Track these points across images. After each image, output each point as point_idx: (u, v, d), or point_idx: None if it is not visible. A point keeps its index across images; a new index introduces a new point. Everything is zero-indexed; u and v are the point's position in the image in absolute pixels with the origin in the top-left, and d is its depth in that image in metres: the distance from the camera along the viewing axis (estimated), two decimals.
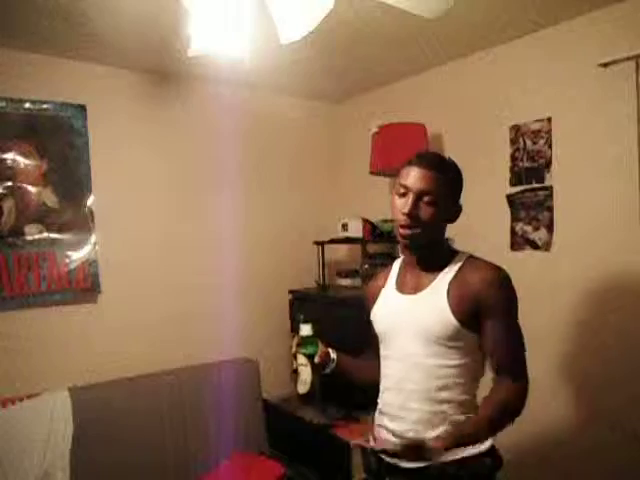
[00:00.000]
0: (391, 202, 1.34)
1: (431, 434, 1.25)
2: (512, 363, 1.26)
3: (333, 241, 2.85)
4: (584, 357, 2.09)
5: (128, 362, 2.44)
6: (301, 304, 2.87)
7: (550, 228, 2.18)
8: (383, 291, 1.45)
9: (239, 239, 2.86)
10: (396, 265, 1.49)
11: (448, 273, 1.31)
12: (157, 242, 2.61)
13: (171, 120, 2.67)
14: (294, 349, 1.43)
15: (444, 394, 1.27)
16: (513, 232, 2.32)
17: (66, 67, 2.34)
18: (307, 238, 2.98)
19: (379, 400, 1.42)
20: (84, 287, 2.38)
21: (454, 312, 1.25)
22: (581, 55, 2.05)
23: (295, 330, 1.51)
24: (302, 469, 2.35)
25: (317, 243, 2.88)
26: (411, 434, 1.27)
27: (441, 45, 2.34)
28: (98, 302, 2.44)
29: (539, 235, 2.22)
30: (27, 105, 2.23)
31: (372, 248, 2.86)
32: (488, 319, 1.25)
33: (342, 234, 2.77)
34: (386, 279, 1.47)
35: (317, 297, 2.81)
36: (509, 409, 1.24)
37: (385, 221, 2.70)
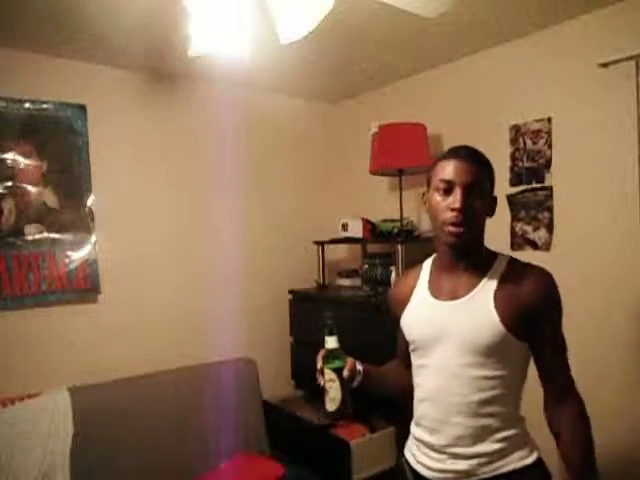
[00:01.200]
0: (429, 203, 1.25)
1: (474, 450, 1.19)
2: (569, 376, 1.22)
3: (333, 241, 2.85)
4: (584, 357, 2.08)
5: (128, 362, 2.44)
6: (299, 305, 2.87)
7: (550, 228, 2.18)
8: (415, 295, 1.33)
9: (239, 239, 2.87)
10: (426, 266, 1.37)
11: (492, 278, 1.22)
12: (157, 242, 2.61)
13: (171, 120, 2.67)
14: (320, 364, 1.30)
15: (488, 407, 1.18)
16: (513, 232, 2.32)
17: (66, 67, 2.34)
18: (307, 238, 2.98)
19: (414, 411, 1.33)
20: (84, 287, 2.38)
21: (503, 320, 1.16)
22: (581, 55, 2.05)
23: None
24: (302, 469, 2.35)
25: (317, 243, 2.88)
26: (452, 449, 1.21)
27: (441, 45, 2.34)
28: (98, 302, 2.44)
29: (539, 235, 2.22)
30: (27, 105, 2.23)
31: (372, 248, 2.86)
32: (540, 327, 1.18)
33: (342, 234, 2.77)
34: (416, 281, 1.35)
35: (317, 297, 2.81)
36: (589, 429, 1.20)
37: (385, 221, 2.70)
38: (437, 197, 1.21)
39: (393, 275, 2.49)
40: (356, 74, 2.74)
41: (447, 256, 1.27)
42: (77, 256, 2.36)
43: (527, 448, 1.21)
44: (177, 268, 2.67)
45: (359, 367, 1.33)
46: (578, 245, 2.09)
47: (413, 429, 1.33)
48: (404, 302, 1.35)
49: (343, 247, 3.19)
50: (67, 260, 2.33)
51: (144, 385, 2.32)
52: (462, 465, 1.19)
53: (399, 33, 2.16)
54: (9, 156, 2.19)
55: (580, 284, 2.09)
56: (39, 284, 2.25)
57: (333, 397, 1.28)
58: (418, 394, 1.31)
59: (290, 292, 2.93)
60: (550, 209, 2.18)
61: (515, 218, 2.31)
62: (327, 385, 1.28)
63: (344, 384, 1.28)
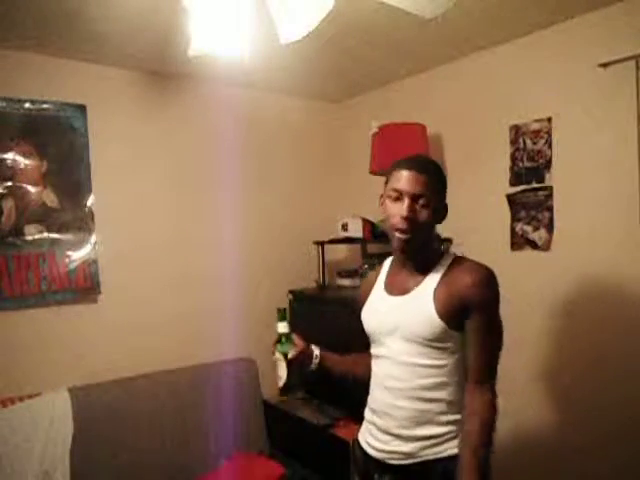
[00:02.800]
0: (383, 206, 1.37)
1: (418, 432, 1.30)
2: (487, 366, 1.28)
3: (333, 241, 2.85)
4: (584, 357, 2.08)
5: (128, 362, 2.44)
6: (299, 305, 2.87)
7: (550, 228, 2.18)
8: (373, 291, 1.48)
9: (239, 239, 2.86)
10: (386, 265, 1.51)
11: (435, 275, 1.33)
12: (157, 242, 2.61)
13: (171, 120, 2.67)
14: (272, 346, 1.50)
15: (431, 393, 1.30)
16: (513, 232, 2.32)
17: (66, 67, 2.34)
18: (307, 238, 2.97)
19: (369, 397, 1.46)
20: (84, 287, 2.38)
21: (440, 314, 1.27)
22: (581, 55, 2.05)
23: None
24: (302, 469, 2.35)
25: (317, 243, 2.88)
26: (397, 431, 1.32)
27: (441, 45, 2.34)
28: (98, 302, 2.44)
29: (539, 235, 2.22)
30: (27, 105, 2.23)
31: (372, 248, 2.85)
32: (470, 319, 1.27)
33: (342, 234, 2.77)
34: (375, 279, 1.50)
35: (317, 297, 2.81)
36: (493, 417, 1.26)
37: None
38: (389, 203, 1.34)
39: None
40: (356, 74, 2.74)
41: (398, 255, 1.42)
42: (77, 256, 2.36)
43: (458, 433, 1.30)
44: (177, 268, 2.67)
45: (316, 352, 1.51)
46: (578, 245, 2.09)
47: (366, 413, 1.47)
48: (364, 299, 1.50)
49: (343, 247, 3.19)
50: (67, 260, 2.33)
51: (144, 385, 2.32)
52: (405, 447, 1.31)
53: (399, 33, 2.16)
54: (9, 156, 2.19)
55: (580, 284, 2.09)
56: (39, 284, 2.25)
57: (280, 375, 1.48)
58: (372, 381, 1.44)
59: (290, 292, 2.93)
60: (550, 209, 2.18)
61: (515, 218, 2.31)
62: (277, 364, 1.49)
63: (290, 365, 1.47)
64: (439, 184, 1.35)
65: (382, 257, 2.66)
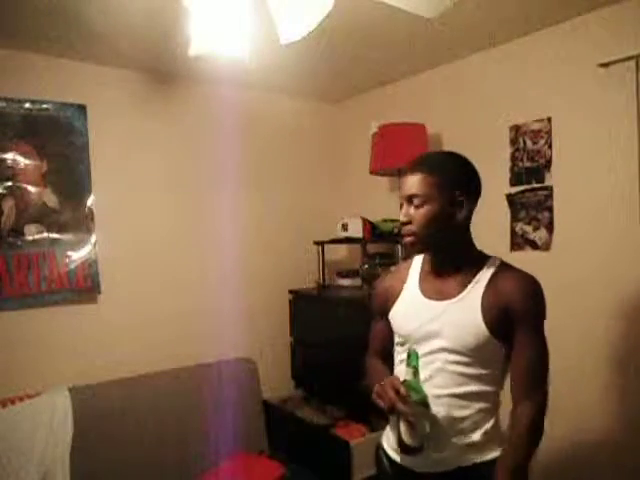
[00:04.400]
0: None
1: (454, 440, 1.25)
2: (533, 378, 1.24)
3: (333, 241, 2.85)
4: (583, 357, 2.08)
5: (128, 362, 2.44)
6: (299, 305, 2.87)
7: (550, 228, 2.18)
8: (406, 292, 1.38)
9: (239, 239, 2.86)
10: (417, 264, 1.41)
11: (480, 281, 1.27)
12: (157, 242, 2.61)
13: (171, 120, 2.67)
14: (403, 393, 1.18)
15: (468, 402, 1.25)
16: (513, 232, 2.32)
17: (66, 67, 2.34)
18: (307, 238, 2.97)
19: None
20: (84, 287, 2.38)
21: (487, 322, 1.22)
22: (581, 55, 2.05)
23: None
24: (302, 469, 2.35)
25: (317, 243, 2.88)
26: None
27: (441, 45, 2.34)
28: (98, 302, 2.44)
29: (539, 235, 2.22)
30: (27, 105, 2.23)
31: (372, 248, 2.85)
32: (517, 329, 1.23)
33: (342, 234, 2.77)
34: (406, 278, 1.39)
35: (317, 297, 2.81)
36: (537, 433, 1.23)
37: (385, 221, 2.70)
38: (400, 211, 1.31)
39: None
40: (356, 74, 2.74)
41: (432, 258, 1.34)
42: (77, 256, 2.36)
43: (497, 442, 1.27)
44: (177, 268, 2.67)
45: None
46: (578, 245, 2.09)
47: (391, 419, 1.34)
48: (392, 298, 1.39)
49: (343, 247, 3.19)
50: (67, 260, 2.33)
51: (144, 385, 2.32)
52: (435, 455, 1.25)
53: (399, 33, 2.16)
54: (9, 156, 2.19)
55: (580, 284, 2.09)
56: (39, 284, 2.25)
57: (421, 432, 1.20)
58: None
59: (290, 292, 2.93)
60: (550, 209, 2.18)
61: (515, 218, 2.31)
62: (415, 421, 1.19)
63: (430, 417, 1.22)
64: (442, 179, 1.25)
65: (382, 257, 2.69)
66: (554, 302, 2.17)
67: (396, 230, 2.57)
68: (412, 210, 1.26)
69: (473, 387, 1.24)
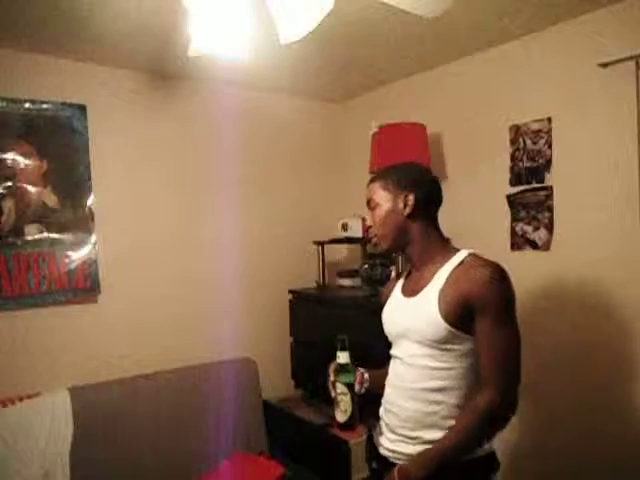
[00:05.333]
0: None
1: (421, 434, 1.29)
2: (494, 368, 1.22)
3: (333, 241, 2.85)
4: (584, 357, 2.09)
5: (128, 362, 2.44)
6: (299, 305, 2.87)
7: (550, 228, 2.18)
8: (392, 294, 1.51)
9: (239, 239, 2.86)
10: (408, 269, 1.53)
11: (442, 274, 1.30)
12: (157, 242, 2.61)
13: (171, 120, 2.67)
14: (332, 377, 1.43)
15: (435, 396, 1.28)
16: (513, 232, 2.32)
17: (66, 67, 2.34)
18: (307, 238, 2.98)
19: (383, 397, 1.47)
20: (84, 287, 2.38)
21: (444, 315, 1.24)
22: (581, 55, 2.05)
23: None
24: (302, 469, 2.35)
25: (317, 243, 2.88)
26: (401, 431, 1.33)
27: (441, 45, 2.34)
28: (98, 302, 2.44)
29: (539, 235, 2.22)
30: (27, 105, 2.23)
31: (372, 248, 2.85)
32: (476, 320, 1.24)
33: (342, 234, 2.77)
34: (397, 282, 1.53)
35: (317, 297, 2.81)
36: (483, 418, 1.22)
37: None
38: None
39: (393, 275, 2.49)
40: (356, 74, 2.74)
41: (406, 260, 1.47)
42: (77, 256, 2.36)
43: None
44: (177, 268, 2.67)
45: (366, 375, 1.47)
46: (578, 245, 2.09)
47: (380, 410, 1.47)
48: (386, 300, 1.52)
49: (343, 247, 3.19)
50: (67, 260, 2.33)
51: (144, 385, 2.32)
52: (407, 449, 1.30)
53: (399, 33, 2.16)
54: (9, 156, 2.19)
55: (580, 284, 2.09)
56: (39, 284, 2.25)
57: (345, 409, 1.39)
58: (387, 379, 1.44)
59: (290, 292, 2.93)
60: (550, 209, 2.18)
61: (515, 218, 2.31)
62: (339, 398, 1.40)
63: (354, 398, 1.40)
64: (388, 182, 1.38)
65: (382, 257, 2.69)
66: (554, 302, 2.18)
67: None
68: (370, 214, 1.41)
69: (441, 382, 1.27)
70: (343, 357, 1.41)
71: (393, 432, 1.36)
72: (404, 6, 1.34)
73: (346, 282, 2.89)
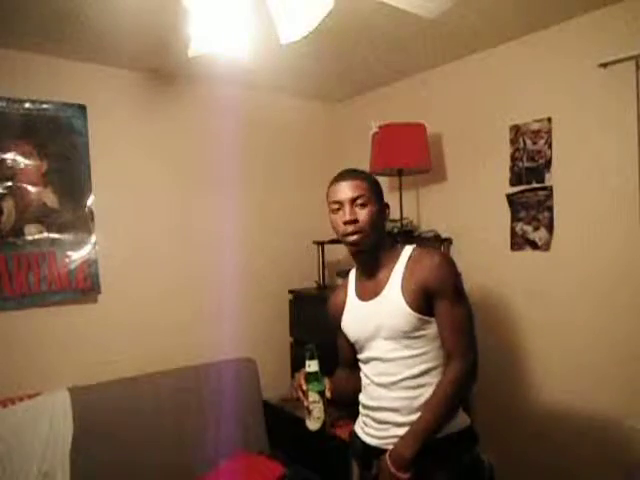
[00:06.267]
0: (330, 222, 1.46)
1: (412, 417, 1.35)
2: (458, 341, 1.35)
3: (333, 241, 2.84)
4: (584, 357, 2.09)
5: (128, 362, 2.44)
6: (299, 305, 2.87)
7: (550, 228, 2.18)
8: (347, 302, 1.53)
9: (239, 239, 2.86)
10: (352, 276, 1.57)
11: (398, 270, 1.40)
12: (156, 242, 2.61)
13: (171, 120, 2.67)
14: (304, 387, 1.46)
15: (419, 380, 1.37)
16: (513, 232, 2.32)
17: (66, 67, 2.34)
18: (307, 238, 2.97)
19: (361, 395, 1.52)
20: (84, 287, 2.38)
21: (410, 305, 1.35)
22: (581, 55, 2.05)
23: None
24: (302, 469, 2.34)
25: (317, 243, 2.88)
26: (393, 418, 1.38)
27: (441, 45, 2.34)
28: (98, 302, 2.44)
29: (539, 235, 2.22)
30: (27, 105, 2.23)
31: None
32: (435, 302, 1.35)
33: None
34: (346, 291, 1.56)
35: (317, 297, 2.81)
36: (457, 388, 1.34)
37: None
38: (333, 216, 1.45)
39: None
40: (356, 74, 2.74)
41: (360, 262, 1.49)
42: (77, 256, 2.36)
43: (456, 416, 1.38)
44: (177, 268, 2.67)
45: (330, 384, 1.53)
46: (578, 245, 2.09)
47: (361, 409, 1.52)
48: (340, 312, 1.55)
49: (343, 247, 3.17)
50: (67, 260, 2.33)
51: (144, 385, 2.32)
52: (401, 431, 1.35)
53: (399, 33, 2.16)
54: (9, 156, 2.19)
55: (580, 284, 2.10)
56: (39, 284, 2.25)
57: (318, 416, 1.45)
58: (365, 381, 1.49)
59: (290, 292, 2.93)
60: (550, 209, 2.18)
61: (515, 218, 2.31)
62: (311, 406, 1.45)
63: (326, 405, 1.45)
64: (373, 185, 1.44)
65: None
66: (554, 301, 2.18)
67: (396, 230, 2.58)
68: (357, 209, 1.39)
69: (420, 367, 1.37)
70: (313, 365, 1.45)
71: (384, 422, 1.41)
72: (404, 6, 1.34)
73: None
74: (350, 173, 1.46)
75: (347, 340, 1.55)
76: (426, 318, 1.36)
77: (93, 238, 2.40)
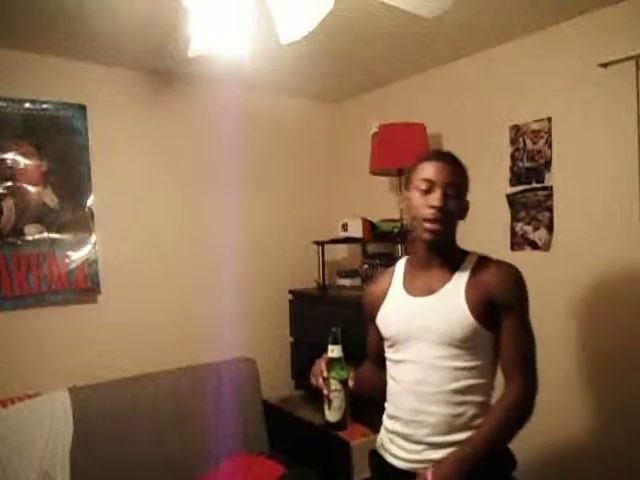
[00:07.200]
0: (409, 200, 1.32)
1: (451, 438, 1.24)
2: (523, 361, 1.26)
3: (333, 241, 2.85)
4: (584, 357, 2.09)
5: (128, 362, 2.44)
6: (299, 305, 2.87)
7: (550, 228, 2.18)
8: (390, 293, 1.39)
9: (239, 239, 2.86)
10: (400, 266, 1.43)
11: (463, 274, 1.29)
12: (157, 242, 2.61)
13: (171, 120, 2.67)
14: (325, 373, 1.29)
15: (464, 397, 1.25)
16: (513, 232, 2.32)
17: (66, 67, 2.34)
18: (307, 238, 2.97)
19: (388, 405, 1.39)
20: (84, 287, 2.38)
21: (473, 312, 1.24)
22: (581, 55, 2.05)
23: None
24: (302, 469, 2.34)
25: (317, 243, 2.87)
26: (429, 439, 1.25)
27: (441, 45, 2.34)
28: (98, 302, 2.44)
29: (539, 235, 2.22)
30: (27, 105, 2.23)
31: (372, 248, 2.85)
32: (503, 316, 1.25)
33: (342, 234, 2.77)
34: (390, 281, 1.42)
35: (317, 297, 2.81)
36: (519, 413, 1.24)
37: (385, 221, 2.70)
38: (416, 195, 1.28)
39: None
40: (356, 74, 2.74)
41: (422, 253, 1.33)
42: (77, 256, 2.36)
43: None
44: (177, 268, 2.67)
45: (351, 373, 1.34)
46: (578, 245, 2.09)
47: (386, 422, 1.38)
48: (378, 302, 1.41)
49: (343, 247, 3.19)
50: (67, 260, 2.33)
51: (144, 385, 2.31)
52: (437, 454, 1.23)
53: (399, 33, 2.16)
54: (9, 156, 2.19)
55: (580, 284, 2.09)
56: (39, 284, 2.25)
57: (338, 407, 1.28)
58: (394, 387, 1.35)
59: (290, 292, 2.93)
60: (550, 209, 2.18)
61: (515, 218, 2.31)
62: (332, 395, 1.28)
63: (348, 395, 1.29)
64: (465, 179, 1.33)
65: (382, 257, 2.69)
66: (554, 301, 2.18)
67: (396, 230, 2.58)
68: (447, 199, 1.26)
69: (466, 381, 1.25)
70: (336, 350, 1.29)
71: (417, 442, 1.27)
72: (404, 6, 1.34)
73: (346, 282, 2.89)
74: (451, 156, 1.32)
75: (379, 334, 1.41)
76: (484, 331, 1.24)
77: (93, 238, 2.40)
